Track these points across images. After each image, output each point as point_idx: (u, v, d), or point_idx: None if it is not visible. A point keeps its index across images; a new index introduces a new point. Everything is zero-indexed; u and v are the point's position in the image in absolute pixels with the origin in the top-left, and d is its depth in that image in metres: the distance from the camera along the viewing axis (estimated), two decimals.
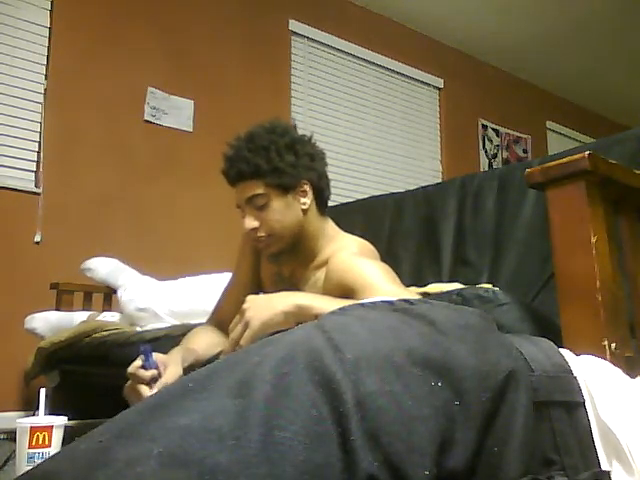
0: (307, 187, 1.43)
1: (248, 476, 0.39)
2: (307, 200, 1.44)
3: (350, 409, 0.42)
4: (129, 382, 1.25)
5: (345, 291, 1.31)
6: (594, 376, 0.56)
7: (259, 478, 0.39)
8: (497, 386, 0.46)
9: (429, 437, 0.42)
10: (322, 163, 1.49)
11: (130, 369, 1.24)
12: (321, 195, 1.48)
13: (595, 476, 0.45)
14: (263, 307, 1.21)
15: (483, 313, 0.55)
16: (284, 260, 1.47)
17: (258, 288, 1.60)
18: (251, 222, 1.40)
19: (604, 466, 0.47)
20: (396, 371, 0.45)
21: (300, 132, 1.49)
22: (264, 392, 0.43)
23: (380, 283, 1.30)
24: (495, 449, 0.44)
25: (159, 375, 1.24)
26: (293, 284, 1.46)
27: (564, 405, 0.48)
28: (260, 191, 1.38)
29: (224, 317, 1.54)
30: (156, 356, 1.27)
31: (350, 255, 1.40)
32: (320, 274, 1.43)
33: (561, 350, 0.58)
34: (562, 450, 0.46)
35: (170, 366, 1.27)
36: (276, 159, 1.38)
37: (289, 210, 1.41)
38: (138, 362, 1.25)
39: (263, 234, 1.41)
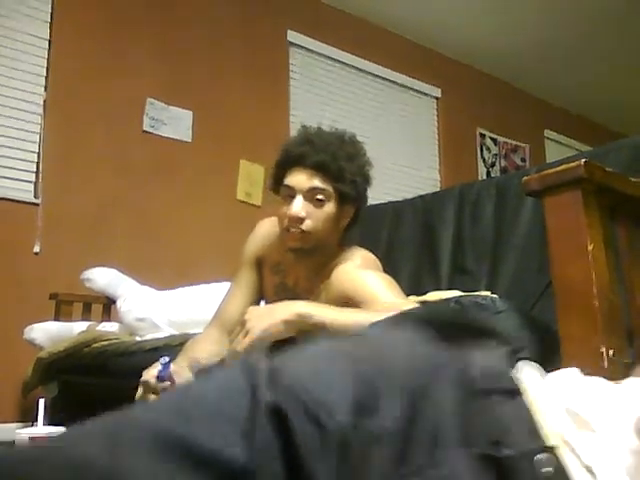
0: (352, 211, 1.46)
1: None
2: (346, 221, 1.46)
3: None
4: (140, 389, 1.25)
5: (347, 302, 1.31)
6: (568, 382, 0.57)
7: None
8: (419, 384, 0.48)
9: (344, 392, 0.44)
10: (368, 193, 1.52)
11: (145, 376, 1.24)
12: (356, 220, 1.50)
13: (541, 449, 0.46)
14: (263, 316, 1.22)
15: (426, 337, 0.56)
16: (300, 258, 1.45)
17: (259, 295, 1.60)
18: (302, 209, 1.39)
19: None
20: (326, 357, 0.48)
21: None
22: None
23: (382, 294, 1.32)
24: (427, 429, 0.45)
25: (172, 388, 1.24)
26: (297, 294, 1.46)
27: (505, 392, 0.49)
28: (328, 191, 1.39)
29: (226, 321, 1.55)
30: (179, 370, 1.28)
31: (353, 267, 1.41)
32: (324, 285, 1.43)
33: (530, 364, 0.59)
34: (507, 431, 0.48)
35: (181, 379, 1.28)
36: (354, 174, 1.40)
37: (336, 220, 1.43)
38: (154, 371, 1.25)
39: (303, 228, 1.39)
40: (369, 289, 1.33)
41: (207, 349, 1.49)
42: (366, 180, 1.46)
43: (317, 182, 1.38)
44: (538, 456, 0.46)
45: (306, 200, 1.39)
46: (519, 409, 0.49)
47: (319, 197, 1.38)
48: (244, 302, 1.58)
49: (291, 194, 1.40)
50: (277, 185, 1.45)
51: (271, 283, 1.55)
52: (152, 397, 1.23)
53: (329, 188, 1.38)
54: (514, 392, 0.51)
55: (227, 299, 1.63)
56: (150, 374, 1.25)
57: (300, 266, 1.47)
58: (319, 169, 1.38)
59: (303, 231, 1.39)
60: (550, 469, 0.46)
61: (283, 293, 1.48)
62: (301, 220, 1.39)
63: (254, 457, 0.41)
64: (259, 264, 1.56)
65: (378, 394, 0.45)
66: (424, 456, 0.43)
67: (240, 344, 1.20)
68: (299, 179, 1.40)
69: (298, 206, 1.38)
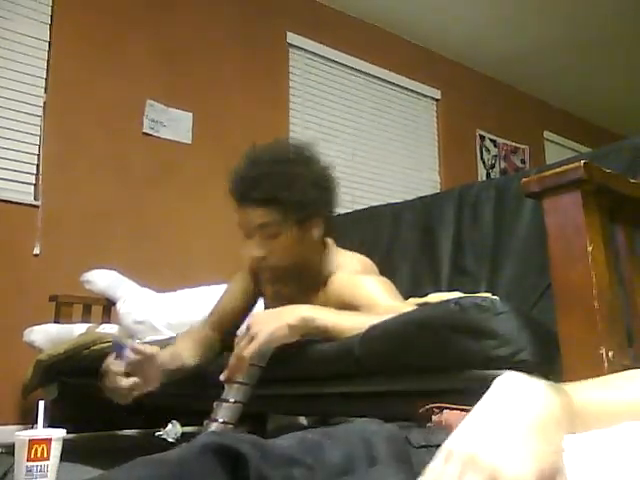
0: (320, 222, 1.41)
1: None
2: (317, 234, 1.41)
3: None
4: (105, 379, 1.26)
5: (346, 308, 1.31)
6: None
7: None
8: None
9: None
10: (336, 196, 1.46)
11: (103, 366, 1.25)
12: (331, 225, 1.46)
13: None
14: (269, 321, 1.23)
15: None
16: (284, 284, 1.45)
17: (254, 300, 1.60)
18: (257, 250, 1.36)
19: None
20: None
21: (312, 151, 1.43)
22: None
23: (380, 298, 1.32)
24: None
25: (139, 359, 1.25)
26: (293, 301, 1.46)
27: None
28: (276, 220, 1.34)
29: (218, 321, 1.56)
30: (138, 345, 1.29)
31: (350, 273, 1.41)
32: (320, 294, 1.43)
33: None
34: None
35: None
36: (300, 194, 1.33)
37: (300, 244, 1.38)
38: (110, 358, 1.27)
39: (268, 264, 1.37)
40: (367, 294, 1.33)
41: (192, 348, 1.49)
42: (322, 188, 1.38)
43: (263, 218, 1.33)
44: None
45: (261, 237, 1.35)
46: None
47: (270, 232, 1.34)
48: (237, 305, 1.58)
49: (244, 235, 1.37)
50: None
51: (269, 290, 1.55)
52: (118, 378, 1.25)
53: (277, 218, 1.33)
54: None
55: (221, 300, 1.63)
56: (107, 362, 1.27)
57: (292, 284, 1.46)
58: (260, 204, 1.33)
59: (269, 268, 1.37)
60: None
61: (280, 300, 1.47)
62: (260, 260, 1.36)
63: None
64: (256, 273, 1.56)
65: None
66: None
67: (246, 349, 1.21)
68: (245, 219, 1.36)
69: (254, 248, 1.35)
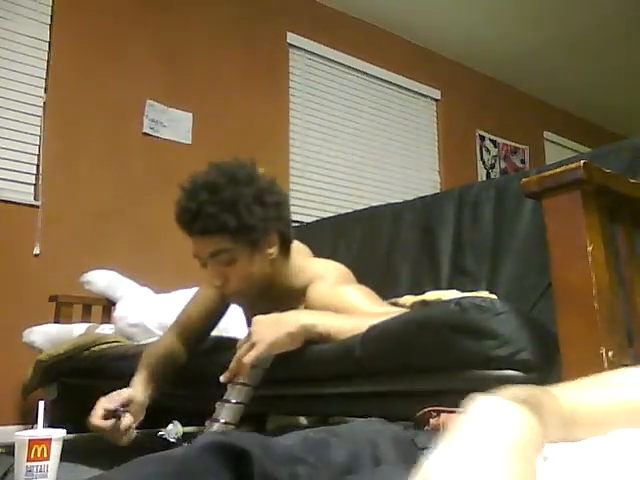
0: (274, 237, 1.39)
1: None
2: (274, 249, 1.39)
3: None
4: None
5: None
6: None
7: None
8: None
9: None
10: (287, 207, 1.43)
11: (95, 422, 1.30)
12: (287, 238, 1.43)
13: None
14: (269, 329, 1.22)
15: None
16: (255, 303, 1.44)
17: (223, 307, 1.59)
18: (216, 279, 1.36)
19: None
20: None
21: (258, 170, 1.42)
22: None
23: (364, 305, 1.32)
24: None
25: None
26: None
27: None
28: (226, 246, 1.32)
29: (184, 326, 1.57)
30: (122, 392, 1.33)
31: (327, 285, 1.39)
32: (300, 306, 1.42)
33: None
34: None
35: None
36: (245, 215, 1.30)
37: (256, 264, 1.37)
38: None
39: (230, 288, 1.37)
40: (350, 304, 1.32)
41: (159, 353, 1.50)
42: (268, 204, 1.35)
43: (213, 247, 1.32)
44: None
45: (217, 265, 1.34)
46: None
47: (224, 259, 1.33)
48: (205, 310, 1.58)
49: (200, 264, 1.38)
50: None
51: (247, 311, 1.55)
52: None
53: (227, 245, 1.32)
54: None
55: (189, 305, 1.62)
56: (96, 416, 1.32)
57: (267, 303, 1.42)
58: (205, 233, 1.32)
59: (233, 291, 1.37)
60: None
61: (258, 307, 1.43)
62: (222, 286, 1.36)
63: None
64: None
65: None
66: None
67: (247, 356, 1.21)
68: (197, 248, 1.36)
69: (212, 277, 1.35)
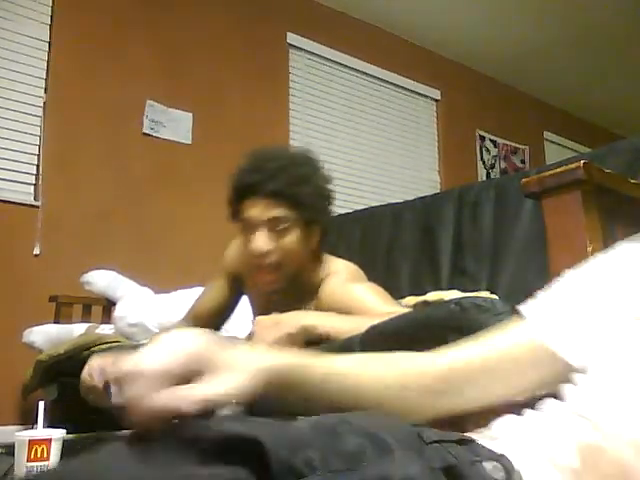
0: (320, 228, 1.41)
1: None
2: (317, 239, 1.41)
3: None
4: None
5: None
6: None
7: None
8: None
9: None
10: (332, 208, 1.47)
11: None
12: (325, 235, 1.45)
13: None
14: (270, 331, 1.22)
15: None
16: (281, 296, 1.43)
17: (229, 304, 1.60)
18: (266, 243, 1.32)
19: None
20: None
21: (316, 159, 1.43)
22: None
23: (374, 304, 1.32)
24: None
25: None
26: (283, 310, 1.45)
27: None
28: (288, 217, 1.31)
29: (198, 320, 1.57)
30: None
31: (340, 282, 1.40)
32: (312, 302, 1.43)
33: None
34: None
35: None
36: (315, 195, 1.33)
37: (304, 245, 1.37)
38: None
39: (274, 260, 1.34)
40: (361, 302, 1.33)
41: None
42: (325, 198, 1.39)
43: (276, 211, 1.30)
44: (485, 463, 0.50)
45: (270, 231, 1.31)
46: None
47: (281, 227, 1.31)
48: (217, 305, 1.58)
49: (251, 228, 1.33)
50: (235, 219, 1.37)
51: (259, 297, 1.54)
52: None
53: (289, 215, 1.31)
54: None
55: (200, 299, 1.63)
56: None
57: (285, 292, 1.43)
58: (275, 197, 1.30)
59: (276, 264, 1.33)
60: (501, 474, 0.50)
61: (272, 308, 1.43)
62: (267, 255, 1.32)
63: None
64: (237, 279, 1.55)
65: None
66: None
67: None
68: (256, 211, 1.31)
69: (260, 241, 1.31)
